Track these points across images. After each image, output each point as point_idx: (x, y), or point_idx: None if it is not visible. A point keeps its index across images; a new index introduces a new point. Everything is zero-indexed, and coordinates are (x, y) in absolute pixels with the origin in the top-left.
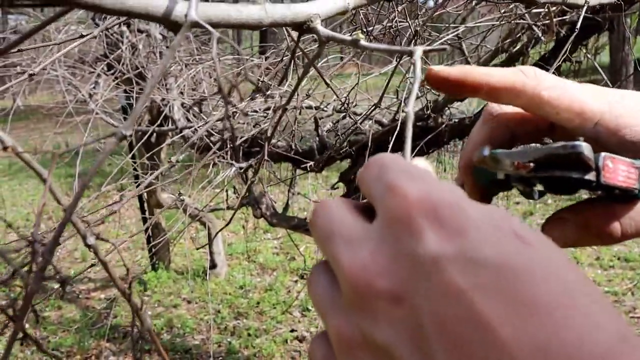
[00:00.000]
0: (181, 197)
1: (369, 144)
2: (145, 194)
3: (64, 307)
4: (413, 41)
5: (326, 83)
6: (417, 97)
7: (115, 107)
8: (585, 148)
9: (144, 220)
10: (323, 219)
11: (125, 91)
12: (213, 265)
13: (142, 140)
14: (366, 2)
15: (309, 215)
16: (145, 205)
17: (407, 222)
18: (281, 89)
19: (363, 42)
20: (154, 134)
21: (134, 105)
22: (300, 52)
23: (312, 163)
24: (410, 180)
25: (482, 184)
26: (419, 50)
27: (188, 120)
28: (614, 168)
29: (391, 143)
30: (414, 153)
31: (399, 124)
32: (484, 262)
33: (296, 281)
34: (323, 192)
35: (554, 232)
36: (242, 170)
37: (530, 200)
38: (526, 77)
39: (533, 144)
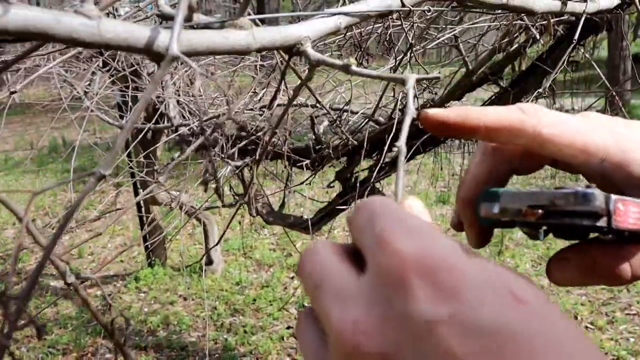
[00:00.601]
0: (177, 195)
1: (365, 143)
2: (140, 190)
3: (60, 304)
4: (409, 52)
5: (317, 101)
6: (414, 97)
7: (111, 103)
8: (598, 197)
9: (140, 218)
10: (312, 266)
11: (120, 89)
12: (209, 262)
13: (138, 138)
14: (358, 20)
15: (299, 262)
16: (141, 202)
17: (399, 282)
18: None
19: (354, 68)
20: (150, 132)
21: (128, 113)
22: (291, 70)
23: (308, 161)
24: (403, 234)
25: (484, 222)
26: (411, 79)
27: (183, 117)
28: (625, 211)
29: (388, 142)
30: (411, 152)
31: (395, 123)
32: (480, 328)
33: (292, 277)
34: (319, 189)
35: (557, 273)
36: (237, 170)
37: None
38: (525, 114)
39: (540, 189)
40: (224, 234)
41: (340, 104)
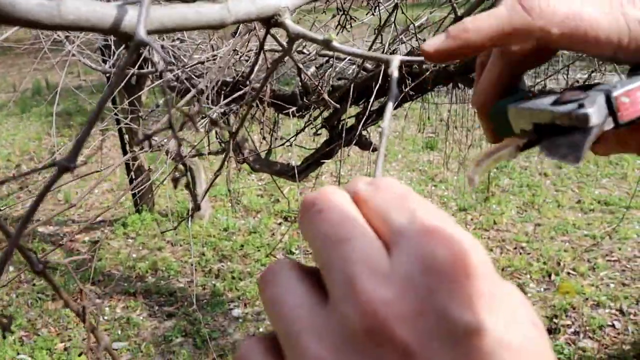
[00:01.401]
0: (162, 142)
1: (351, 89)
2: (126, 135)
3: (48, 250)
4: (394, 13)
5: (299, 68)
6: (402, 42)
7: (94, 47)
8: (593, 115)
9: (127, 166)
10: (272, 295)
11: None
12: (197, 207)
13: (122, 84)
14: None
15: (259, 280)
16: (127, 146)
17: (447, 278)
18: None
19: (335, 44)
20: (134, 77)
21: (110, 58)
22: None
23: (294, 108)
24: (452, 228)
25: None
26: (395, 60)
27: (168, 63)
28: (632, 100)
29: (375, 89)
30: (399, 99)
31: (382, 70)
32: (510, 344)
33: (280, 224)
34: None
35: (599, 146)
36: (224, 117)
37: None
38: (530, 16)
39: (539, 100)
40: (211, 184)
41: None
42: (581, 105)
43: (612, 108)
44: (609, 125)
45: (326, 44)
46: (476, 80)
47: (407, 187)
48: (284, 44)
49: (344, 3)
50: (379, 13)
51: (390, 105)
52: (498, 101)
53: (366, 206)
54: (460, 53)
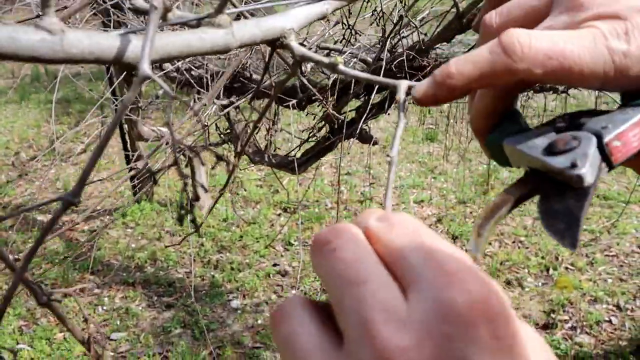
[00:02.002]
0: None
1: (352, 83)
2: (126, 125)
3: (47, 239)
4: (399, 24)
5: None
6: (404, 37)
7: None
8: (587, 174)
9: (126, 156)
10: (285, 335)
11: (103, 23)
12: (196, 198)
13: (122, 75)
14: (346, 3)
15: (269, 318)
16: (127, 136)
17: (466, 323)
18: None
19: (341, 67)
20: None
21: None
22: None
23: (295, 101)
24: (469, 270)
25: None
26: (403, 85)
27: None
28: (625, 142)
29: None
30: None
31: (383, 64)
32: None
33: (279, 214)
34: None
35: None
36: (224, 111)
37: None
38: (511, 57)
39: (533, 141)
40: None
41: (328, 42)
42: (574, 165)
43: (604, 153)
44: (604, 171)
45: (332, 67)
46: (469, 103)
47: (419, 223)
48: (289, 62)
49: (349, 17)
50: (381, 7)
51: (399, 131)
52: (493, 131)
53: (379, 244)
54: (448, 97)
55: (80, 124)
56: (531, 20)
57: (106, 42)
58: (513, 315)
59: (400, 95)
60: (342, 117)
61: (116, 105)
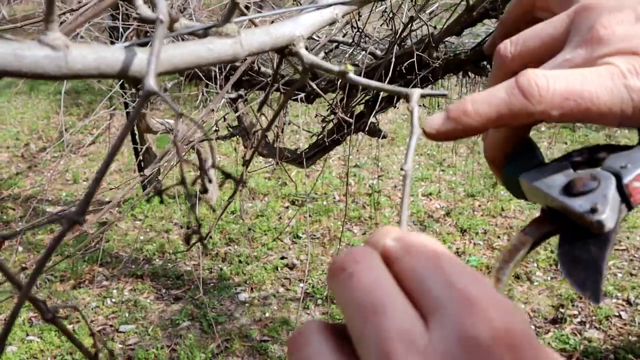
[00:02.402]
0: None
1: (362, 76)
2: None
3: (57, 231)
4: (409, 25)
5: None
6: (412, 30)
7: (102, 27)
8: (608, 220)
9: (135, 150)
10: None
11: (112, 16)
12: (204, 190)
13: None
14: (356, 7)
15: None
16: (135, 129)
17: (488, 354)
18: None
19: (351, 75)
20: None
21: (119, 40)
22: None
23: (303, 95)
24: (490, 299)
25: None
26: (415, 94)
27: None
28: None
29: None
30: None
31: (393, 57)
32: None
33: (287, 207)
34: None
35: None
36: (233, 106)
37: None
38: (529, 99)
39: (551, 178)
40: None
41: (337, 35)
42: (594, 210)
43: (624, 194)
44: (623, 212)
45: (342, 75)
46: (484, 134)
47: (437, 244)
48: (299, 68)
49: (359, 20)
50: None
51: (412, 143)
52: (508, 162)
53: (397, 267)
54: (461, 135)
55: (89, 116)
56: (547, 50)
57: (111, 56)
58: (536, 343)
59: (413, 104)
60: (350, 120)
61: (125, 98)
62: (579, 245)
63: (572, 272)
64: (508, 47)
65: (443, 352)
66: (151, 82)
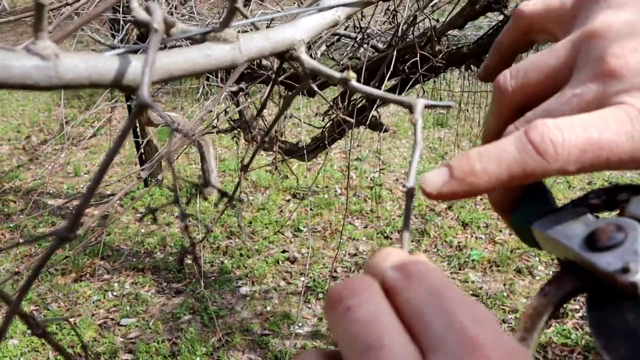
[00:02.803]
0: (171, 117)
1: (362, 71)
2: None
3: (58, 223)
4: (412, 20)
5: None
6: (415, 23)
7: (103, 20)
8: (635, 274)
9: (136, 142)
10: None
11: (112, 8)
12: (205, 184)
13: None
14: (359, 8)
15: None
16: (136, 122)
17: None
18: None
19: (354, 83)
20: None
21: (119, 33)
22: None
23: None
24: (491, 338)
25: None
26: (419, 105)
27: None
28: None
29: (391, 69)
30: (410, 83)
31: (395, 51)
32: None
33: (289, 200)
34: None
35: None
36: (234, 100)
37: None
38: (545, 158)
39: (567, 226)
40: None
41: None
42: (626, 270)
43: None
44: None
45: (344, 82)
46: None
47: (440, 275)
48: (300, 72)
49: (361, 19)
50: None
51: (416, 157)
52: (517, 207)
53: (397, 299)
54: (466, 196)
55: (90, 109)
56: (551, 82)
57: (103, 65)
58: None
59: (417, 116)
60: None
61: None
62: (613, 310)
63: (610, 348)
64: (508, 79)
65: None
66: (144, 94)
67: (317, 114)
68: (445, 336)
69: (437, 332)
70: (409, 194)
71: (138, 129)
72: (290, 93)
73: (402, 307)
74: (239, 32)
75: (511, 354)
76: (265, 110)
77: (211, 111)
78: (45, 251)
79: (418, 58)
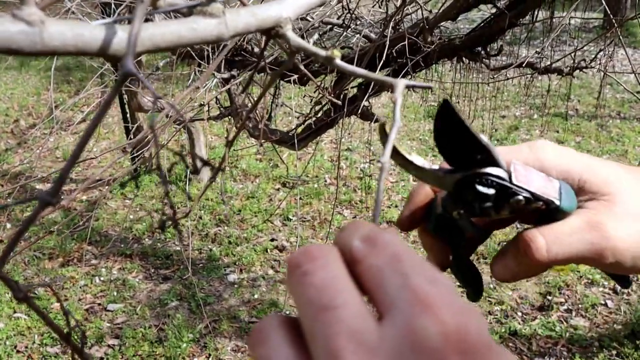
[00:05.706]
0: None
1: (355, 60)
2: (125, 96)
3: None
4: (402, 8)
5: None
6: (408, 14)
7: (94, 3)
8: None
9: (126, 128)
10: (261, 356)
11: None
12: (195, 171)
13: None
14: None
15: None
16: (126, 107)
17: (437, 357)
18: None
19: (338, 61)
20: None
21: (111, 16)
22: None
23: (296, 76)
24: (445, 300)
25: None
26: (400, 85)
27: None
28: (526, 175)
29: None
30: (401, 74)
31: (388, 41)
32: None
33: (278, 189)
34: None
35: (499, 267)
36: (226, 87)
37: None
38: (545, 251)
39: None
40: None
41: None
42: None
43: (509, 171)
44: None
45: (329, 61)
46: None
47: (404, 245)
48: (285, 49)
49: (350, 1)
50: None
51: (392, 135)
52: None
53: (360, 267)
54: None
55: (80, 93)
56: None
57: (89, 34)
58: (492, 347)
59: (397, 95)
60: (339, 102)
61: (116, 76)
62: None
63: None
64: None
65: (392, 351)
66: (129, 63)
67: (304, 95)
68: (398, 296)
69: (392, 293)
70: (382, 169)
71: (128, 115)
72: (278, 79)
73: (365, 273)
74: (225, 6)
75: (462, 311)
76: (253, 97)
77: (198, 87)
78: (29, 215)
79: (406, 44)
